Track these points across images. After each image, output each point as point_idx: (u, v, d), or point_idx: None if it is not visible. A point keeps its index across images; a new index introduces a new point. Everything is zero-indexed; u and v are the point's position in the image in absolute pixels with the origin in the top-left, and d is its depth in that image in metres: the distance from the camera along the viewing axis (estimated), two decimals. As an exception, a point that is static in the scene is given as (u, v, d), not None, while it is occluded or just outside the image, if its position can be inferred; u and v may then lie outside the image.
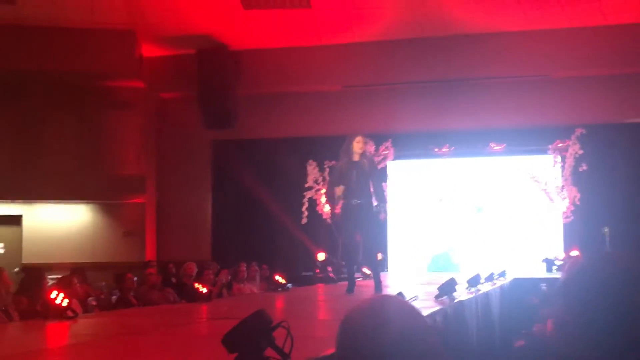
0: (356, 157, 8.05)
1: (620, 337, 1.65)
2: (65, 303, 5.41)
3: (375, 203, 8.13)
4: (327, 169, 15.01)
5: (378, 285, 8.11)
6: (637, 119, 14.87)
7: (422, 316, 1.65)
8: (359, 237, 8.23)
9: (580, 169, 14.15)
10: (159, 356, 3.62)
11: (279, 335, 2.88)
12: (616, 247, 13.22)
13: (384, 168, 15.20)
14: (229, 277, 11.64)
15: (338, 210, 14.58)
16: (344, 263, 13.87)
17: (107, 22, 14.94)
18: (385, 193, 8.78)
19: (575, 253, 12.80)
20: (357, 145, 8.04)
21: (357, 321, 1.57)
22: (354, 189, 8.02)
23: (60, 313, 5.38)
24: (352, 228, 8.13)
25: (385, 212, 8.33)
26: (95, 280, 12.32)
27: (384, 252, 15.07)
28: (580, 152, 14.21)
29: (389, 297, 1.64)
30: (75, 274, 9.68)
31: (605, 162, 14.67)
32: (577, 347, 1.66)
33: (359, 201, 8.02)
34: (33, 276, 7.72)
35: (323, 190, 15.16)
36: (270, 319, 2.89)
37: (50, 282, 8.39)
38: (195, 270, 11.30)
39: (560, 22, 14.43)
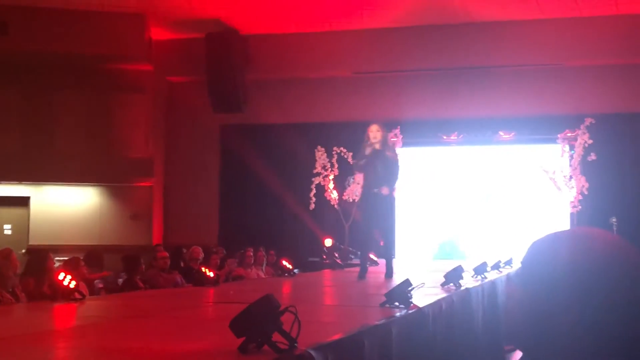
0: (377, 146, 7.84)
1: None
2: (72, 285, 5.41)
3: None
4: (335, 155, 14.99)
5: (389, 271, 8.07)
6: (648, 109, 14.79)
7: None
8: (378, 234, 8.19)
9: (589, 159, 14.08)
10: (166, 338, 3.63)
11: (286, 320, 2.88)
12: (624, 237, 13.15)
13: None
14: (237, 263, 11.67)
15: (345, 196, 14.68)
16: (352, 250, 13.93)
17: (117, 5, 14.92)
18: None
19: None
20: (371, 134, 7.92)
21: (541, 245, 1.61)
22: (375, 178, 7.87)
23: (67, 295, 5.38)
24: (370, 221, 8.10)
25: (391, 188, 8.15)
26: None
27: (392, 239, 15.04)
28: (590, 141, 14.13)
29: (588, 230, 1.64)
30: (91, 258, 9.72)
31: (614, 152, 14.62)
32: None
33: (379, 190, 7.85)
34: (39, 258, 7.72)
35: (331, 176, 15.15)
36: (278, 304, 2.89)
37: (57, 264, 8.42)
38: (201, 254, 11.31)
39: (572, 11, 14.34)
